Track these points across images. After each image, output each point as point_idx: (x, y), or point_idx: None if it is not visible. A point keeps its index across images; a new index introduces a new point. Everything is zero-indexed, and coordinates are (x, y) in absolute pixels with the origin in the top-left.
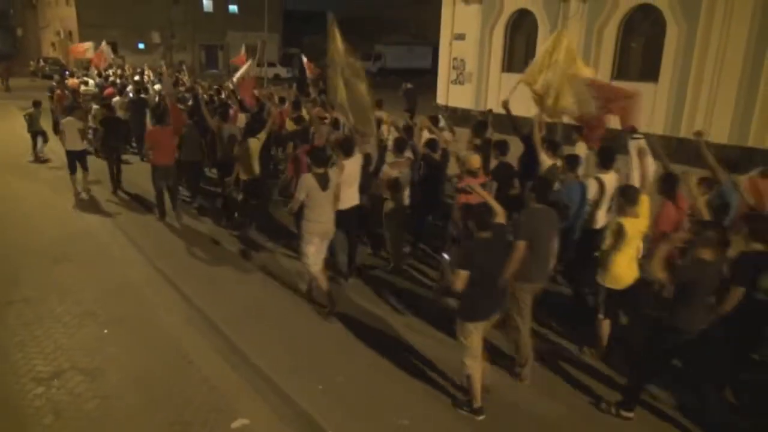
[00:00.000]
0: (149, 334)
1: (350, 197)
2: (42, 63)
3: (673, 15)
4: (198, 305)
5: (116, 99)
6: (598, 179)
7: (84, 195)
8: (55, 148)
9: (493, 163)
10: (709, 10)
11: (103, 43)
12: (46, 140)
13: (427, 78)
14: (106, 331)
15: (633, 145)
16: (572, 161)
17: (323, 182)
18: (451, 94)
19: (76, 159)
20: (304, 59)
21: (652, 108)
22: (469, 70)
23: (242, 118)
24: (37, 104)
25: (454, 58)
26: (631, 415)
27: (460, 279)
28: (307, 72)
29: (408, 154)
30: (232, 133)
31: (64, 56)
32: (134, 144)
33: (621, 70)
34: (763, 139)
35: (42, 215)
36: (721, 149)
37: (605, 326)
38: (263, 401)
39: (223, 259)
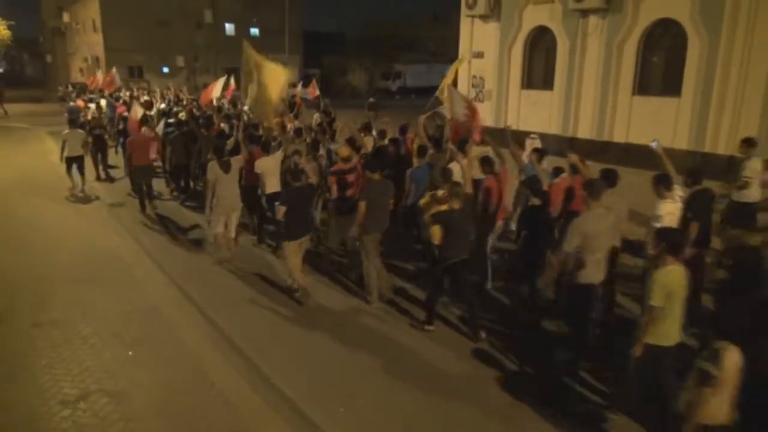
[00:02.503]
0: (172, 356)
1: (274, 184)
2: (70, 88)
3: (694, 28)
4: (220, 326)
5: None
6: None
7: (79, 194)
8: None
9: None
10: (732, 23)
11: (113, 69)
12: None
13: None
14: (130, 352)
15: (528, 143)
16: (421, 151)
17: (225, 167)
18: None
19: (74, 163)
20: (313, 83)
21: (674, 122)
22: (488, 87)
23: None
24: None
25: (474, 76)
26: (432, 327)
27: (280, 212)
28: (310, 95)
29: (321, 152)
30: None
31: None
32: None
33: (642, 85)
34: None
35: (68, 237)
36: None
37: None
38: (285, 423)
39: (245, 279)
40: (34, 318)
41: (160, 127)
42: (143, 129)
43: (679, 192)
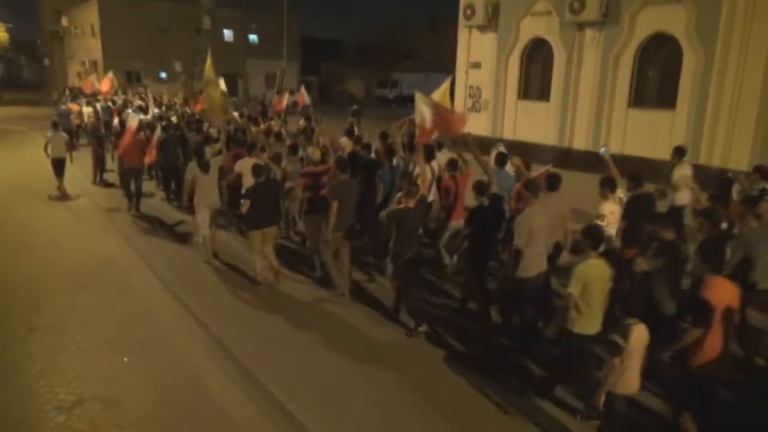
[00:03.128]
0: (167, 363)
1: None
2: (67, 92)
3: (689, 43)
4: (216, 334)
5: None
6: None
7: (58, 193)
8: (74, 180)
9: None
10: (726, 38)
11: (110, 73)
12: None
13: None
14: (125, 359)
15: (494, 150)
16: (388, 154)
17: (204, 168)
18: (467, 121)
19: (60, 164)
20: (302, 90)
21: (669, 135)
22: (485, 97)
23: None
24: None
25: (470, 86)
26: (423, 329)
27: (245, 206)
28: (299, 102)
29: (300, 155)
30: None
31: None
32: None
33: (638, 98)
34: None
35: (65, 242)
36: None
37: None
38: None
39: (241, 286)
40: (30, 323)
41: (159, 133)
42: (138, 134)
43: (621, 194)
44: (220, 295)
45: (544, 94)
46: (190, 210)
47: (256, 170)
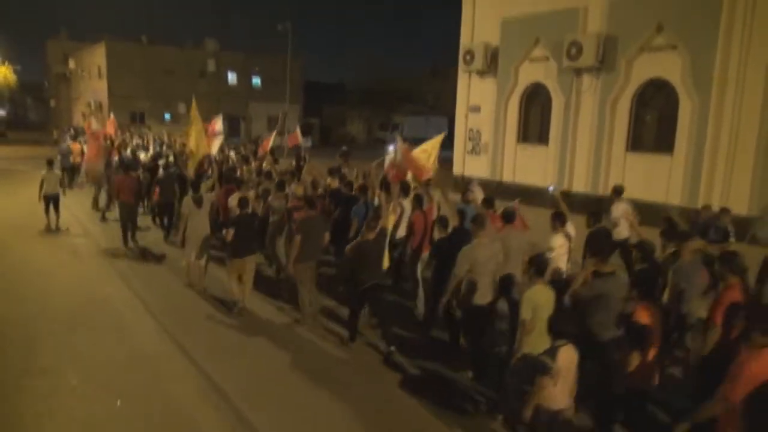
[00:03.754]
0: (161, 407)
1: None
2: (72, 131)
3: (685, 89)
4: (212, 377)
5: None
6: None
7: (53, 228)
8: (72, 218)
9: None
10: (721, 84)
11: (111, 116)
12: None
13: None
14: (119, 403)
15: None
16: (362, 190)
17: (198, 203)
18: (467, 163)
19: (51, 201)
20: (296, 131)
21: (668, 179)
22: (484, 140)
23: None
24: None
25: (470, 129)
26: (352, 344)
27: (228, 234)
28: (292, 142)
29: (287, 191)
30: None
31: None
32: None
33: (635, 142)
34: None
35: (61, 282)
36: (742, 220)
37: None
38: None
39: (238, 328)
40: (23, 365)
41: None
42: (136, 172)
43: (570, 228)
44: (216, 335)
45: (543, 138)
46: (183, 241)
47: (241, 202)
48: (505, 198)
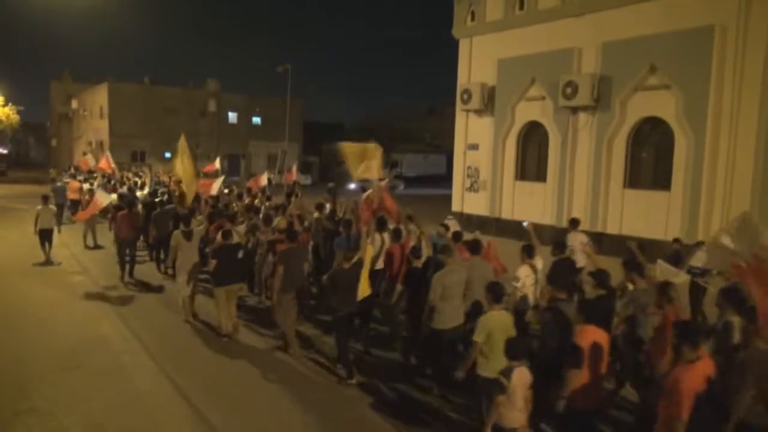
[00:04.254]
0: None
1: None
2: (72, 170)
3: (680, 126)
4: (211, 422)
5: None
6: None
7: (47, 264)
8: (70, 255)
9: None
10: (715, 121)
11: (107, 154)
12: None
13: (442, 184)
14: None
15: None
16: (345, 224)
17: (187, 236)
18: (466, 201)
19: (45, 235)
20: (293, 169)
21: (666, 215)
22: (483, 178)
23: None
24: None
25: (469, 167)
26: (353, 381)
27: (211, 265)
28: (287, 179)
29: (273, 225)
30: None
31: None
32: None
33: (632, 179)
34: None
35: (56, 320)
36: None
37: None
38: None
39: (239, 370)
40: (15, 405)
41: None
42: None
43: (537, 262)
44: (213, 374)
45: (540, 175)
46: (172, 272)
47: (224, 234)
48: (504, 235)
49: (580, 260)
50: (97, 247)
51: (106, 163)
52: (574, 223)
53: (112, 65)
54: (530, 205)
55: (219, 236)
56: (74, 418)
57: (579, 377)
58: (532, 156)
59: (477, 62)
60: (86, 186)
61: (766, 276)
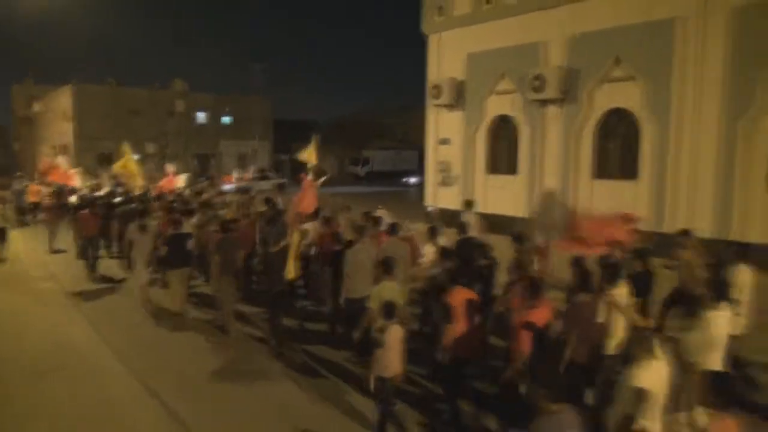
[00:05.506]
0: None
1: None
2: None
3: (645, 117)
4: (185, 422)
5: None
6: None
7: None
8: (37, 260)
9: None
10: (679, 111)
11: (59, 158)
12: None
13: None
14: None
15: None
16: (278, 213)
17: (142, 230)
18: (438, 195)
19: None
20: (250, 170)
21: (634, 204)
22: (455, 172)
23: None
24: None
25: (440, 162)
26: (281, 350)
27: (162, 250)
28: (244, 178)
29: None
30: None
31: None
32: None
33: (600, 169)
34: (744, 233)
35: (26, 328)
36: (708, 244)
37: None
38: None
39: (211, 370)
40: None
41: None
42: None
43: (442, 239)
44: (183, 371)
45: (511, 168)
46: (131, 264)
47: (174, 223)
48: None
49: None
50: (59, 251)
51: (56, 170)
52: (468, 203)
53: (76, 68)
54: (502, 198)
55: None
56: (47, 424)
57: (452, 330)
58: (502, 149)
59: (446, 57)
60: (46, 189)
61: (580, 237)
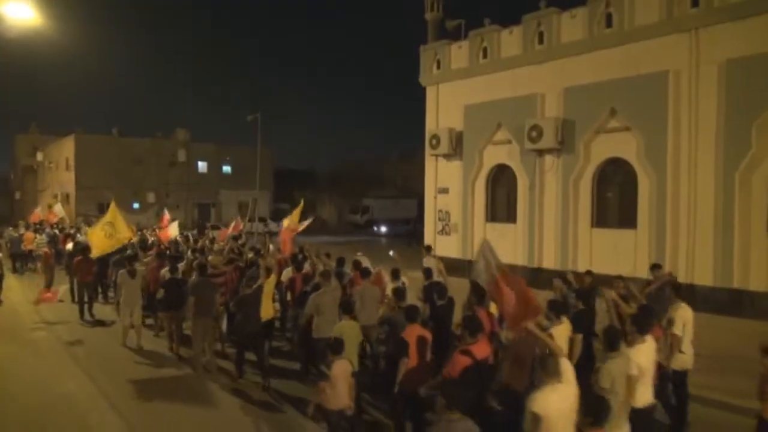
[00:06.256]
0: None
1: None
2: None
3: (641, 166)
4: None
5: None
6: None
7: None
8: (32, 310)
9: None
10: (675, 160)
11: (57, 205)
12: None
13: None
14: None
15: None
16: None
17: (131, 275)
18: (438, 244)
19: None
20: (237, 219)
21: (634, 253)
22: (454, 221)
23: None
24: None
25: (440, 210)
26: (240, 380)
27: (159, 293)
28: (236, 228)
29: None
30: None
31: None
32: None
33: (599, 218)
34: (746, 280)
35: (19, 381)
36: (709, 292)
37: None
38: None
39: (211, 424)
40: None
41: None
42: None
43: (404, 280)
44: (183, 428)
45: (510, 216)
46: (118, 308)
47: (171, 269)
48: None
49: (436, 277)
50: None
51: (54, 216)
52: (428, 248)
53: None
54: (501, 246)
55: (167, 272)
56: None
57: (407, 364)
58: (501, 198)
59: (444, 108)
60: (40, 237)
61: (502, 289)
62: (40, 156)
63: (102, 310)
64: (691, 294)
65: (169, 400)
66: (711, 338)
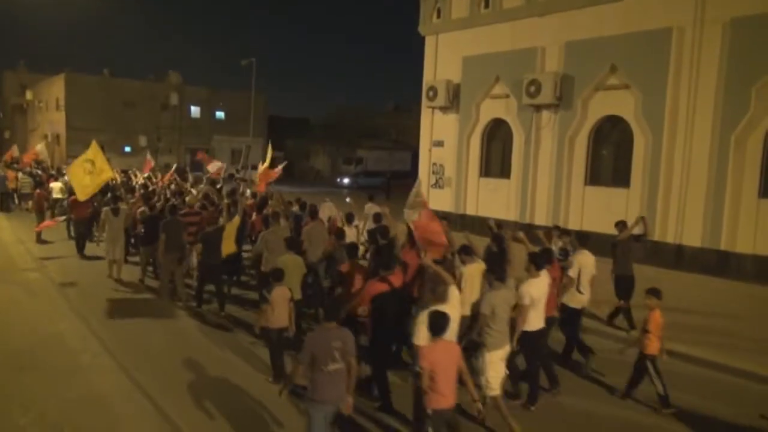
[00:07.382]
0: None
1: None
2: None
3: (638, 125)
4: (173, 420)
5: (54, 184)
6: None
7: None
8: (25, 251)
9: None
10: (672, 120)
11: (39, 145)
12: None
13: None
14: None
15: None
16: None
17: (115, 213)
18: (431, 197)
19: None
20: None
21: (625, 212)
22: (448, 175)
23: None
24: None
25: (434, 164)
26: (200, 309)
27: (139, 228)
28: (218, 173)
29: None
30: None
31: (49, 157)
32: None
33: (593, 176)
34: (734, 243)
35: (12, 321)
36: (697, 252)
37: None
38: None
39: (204, 365)
40: None
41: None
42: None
43: (357, 221)
44: (175, 370)
45: (504, 172)
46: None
47: (150, 206)
48: (469, 230)
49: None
50: (45, 242)
51: (31, 156)
52: (371, 198)
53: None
54: (494, 201)
55: (142, 211)
56: (30, 419)
57: (340, 294)
58: (496, 153)
59: (443, 59)
60: (20, 175)
61: (423, 225)
62: (29, 95)
63: (94, 249)
64: (679, 254)
65: (142, 326)
66: (695, 296)
